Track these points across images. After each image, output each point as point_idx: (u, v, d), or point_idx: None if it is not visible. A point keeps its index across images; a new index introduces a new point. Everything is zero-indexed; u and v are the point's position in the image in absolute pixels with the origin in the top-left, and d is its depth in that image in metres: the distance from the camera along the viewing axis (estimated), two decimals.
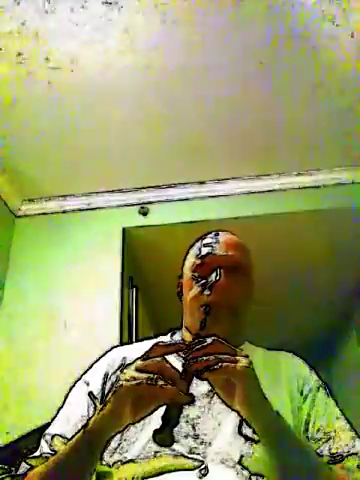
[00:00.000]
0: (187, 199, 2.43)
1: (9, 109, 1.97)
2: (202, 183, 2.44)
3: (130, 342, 2.12)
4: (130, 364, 0.73)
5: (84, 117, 2.04)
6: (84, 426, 0.74)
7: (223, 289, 0.93)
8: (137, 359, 0.73)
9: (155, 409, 0.71)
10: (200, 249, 1.02)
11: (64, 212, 2.44)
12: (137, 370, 0.70)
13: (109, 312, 2.12)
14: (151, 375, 0.68)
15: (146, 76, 1.90)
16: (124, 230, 2.37)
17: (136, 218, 2.42)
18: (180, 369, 0.71)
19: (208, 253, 0.99)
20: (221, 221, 2.34)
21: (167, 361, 0.71)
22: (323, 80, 1.96)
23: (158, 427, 0.69)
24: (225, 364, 0.70)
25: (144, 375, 0.69)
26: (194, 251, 1.04)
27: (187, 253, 1.07)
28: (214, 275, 0.94)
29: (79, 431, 0.75)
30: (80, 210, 2.44)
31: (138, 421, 0.72)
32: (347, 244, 2.53)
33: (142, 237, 2.44)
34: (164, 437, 0.68)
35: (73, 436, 0.85)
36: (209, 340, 0.73)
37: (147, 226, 2.40)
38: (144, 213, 2.43)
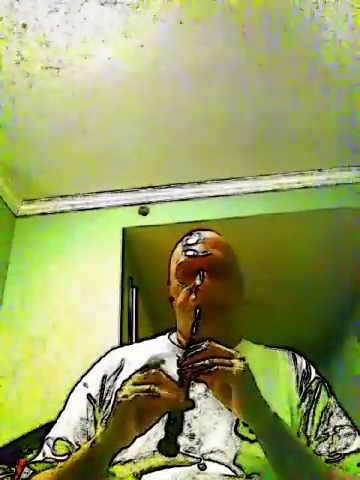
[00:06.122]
0: (187, 199, 2.43)
1: (9, 109, 1.97)
2: (202, 183, 2.44)
3: (130, 342, 2.12)
4: (127, 380, 0.74)
5: (84, 117, 2.04)
6: (92, 442, 0.75)
7: (208, 291, 0.92)
8: (134, 372, 0.74)
9: (159, 418, 0.72)
10: (181, 254, 1.01)
11: (64, 212, 2.44)
12: (135, 384, 0.71)
13: (109, 312, 2.12)
14: (149, 386, 0.69)
15: (146, 76, 1.90)
16: (124, 230, 2.37)
17: (136, 218, 2.42)
18: (177, 376, 0.73)
19: (189, 257, 0.98)
20: (221, 221, 2.34)
21: (163, 371, 0.72)
22: (323, 81, 1.96)
23: (162, 437, 0.70)
24: (220, 368, 0.71)
25: (142, 387, 0.70)
26: (175, 256, 1.03)
27: (170, 258, 1.06)
28: (198, 278, 0.94)
29: (86, 442, 0.76)
30: (80, 210, 2.44)
31: (144, 433, 0.72)
32: (347, 244, 2.53)
33: (142, 237, 2.44)
34: (169, 447, 0.69)
35: (78, 443, 0.86)
36: (204, 345, 0.74)
37: (147, 226, 2.40)
38: (144, 213, 2.43)
